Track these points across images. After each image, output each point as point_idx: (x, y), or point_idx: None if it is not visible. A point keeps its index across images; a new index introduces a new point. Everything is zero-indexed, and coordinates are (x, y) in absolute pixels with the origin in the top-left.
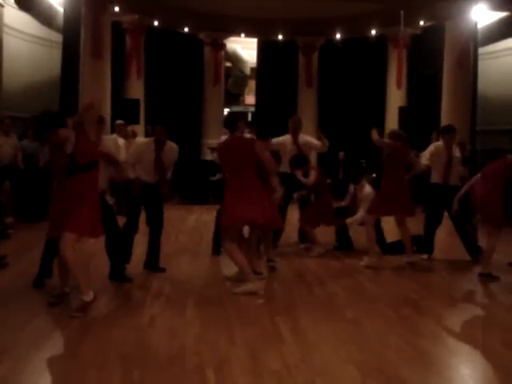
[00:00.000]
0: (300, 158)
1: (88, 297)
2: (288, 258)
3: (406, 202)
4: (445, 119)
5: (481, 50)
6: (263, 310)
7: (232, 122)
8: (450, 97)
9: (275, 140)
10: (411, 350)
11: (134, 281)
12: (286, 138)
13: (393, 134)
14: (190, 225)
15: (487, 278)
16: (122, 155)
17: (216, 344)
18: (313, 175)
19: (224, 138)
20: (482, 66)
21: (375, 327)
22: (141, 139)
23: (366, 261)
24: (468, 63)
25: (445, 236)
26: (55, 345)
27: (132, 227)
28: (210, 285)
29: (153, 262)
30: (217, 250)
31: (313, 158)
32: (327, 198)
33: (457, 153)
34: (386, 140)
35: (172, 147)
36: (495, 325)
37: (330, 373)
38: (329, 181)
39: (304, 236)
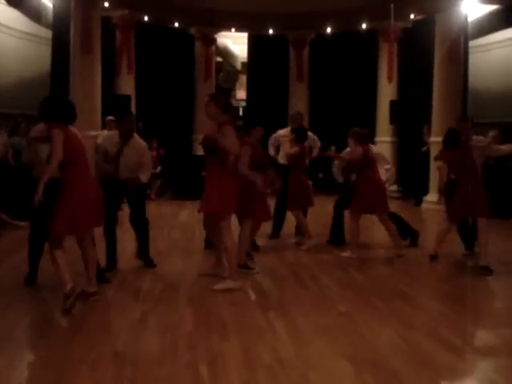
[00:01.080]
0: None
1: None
2: (280, 252)
3: (383, 199)
4: (436, 113)
5: (471, 43)
6: (256, 304)
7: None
8: (440, 90)
9: (277, 133)
10: (404, 342)
11: (125, 277)
12: (287, 131)
13: (355, 135)
14: (183, 220)
15: (485, 270)
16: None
17: (209, 339)
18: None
19: None
20: (472, 59)
21: (368, 320)
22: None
23: (347, 253)
24: (459, 56)
25: (436, 228)
26: (48, 342)
27: (111, 220)
28: (203, 280)
29: (144, 253)
30: (208, 244)
31: None
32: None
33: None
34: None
35: (139, 144)
36: (488, 317)
37: (323, 367)
38: (321, 175)
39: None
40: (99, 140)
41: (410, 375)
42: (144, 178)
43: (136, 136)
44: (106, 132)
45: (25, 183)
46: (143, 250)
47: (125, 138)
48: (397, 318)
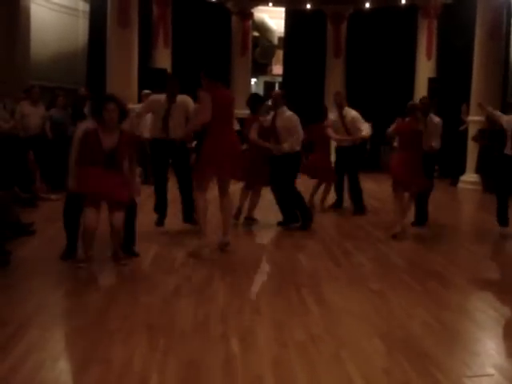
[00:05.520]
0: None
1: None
2: (313, 229)
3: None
4: (475, 91)
5: None
6: (288, 280)
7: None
8: (480, 68)
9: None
10: (436, 323)
11: (159, 249)
12: (336, 115)
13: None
14: (217, 194)
15: None
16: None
17: (241, 314)
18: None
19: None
20: None
21: (400, 299)
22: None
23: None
24: (500, 33)
25: (472, 208)
26: (82, 312)
27: (161, 180)
28: (236, 254)
29: (189, 215)
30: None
31: None
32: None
33: None
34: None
35: (184, 100)
36: None
37: (354, 344)
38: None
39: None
40: (138, 108)
41: (442, 356)
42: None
43: (179, 95)
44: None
45: (62, 155)
46: (188, 212)
47: (171, 98)
48: (430, 299)
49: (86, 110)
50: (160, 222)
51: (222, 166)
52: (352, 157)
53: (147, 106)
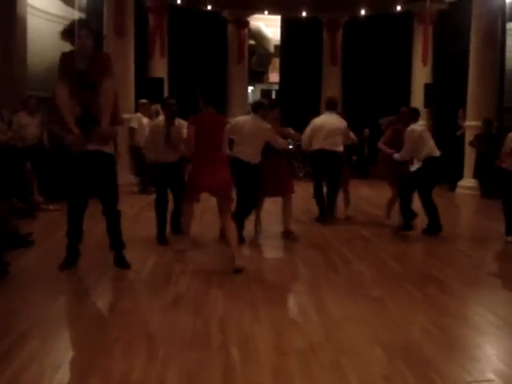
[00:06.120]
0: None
1: None
2: (312, 238)
3: None
4: (471, 96)
5: (509, 26)
6: (288, 288)
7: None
8: (476, 73)
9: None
10: (436, 329)
11: (157, 259)
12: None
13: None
14: (214, 203)
15: None
16: (147, 134)
17: (240, 322)
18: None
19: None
20: (510, 41)
21: (400, 306)
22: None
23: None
24: (495, 39)
25: (470, 213)
26: (81, 322)
27: (162, 200)
28: (234, 263)
29: (177, 226)
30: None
31: None
32: None
33: None
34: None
35: (181, 123)
36: None
37: (355, 352)
38: (355, 158)
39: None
40: (133, 124)
41: (442, 362)
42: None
43: (177, 119)
44: (137, 115)
45: (59, 165)
46: (176, 220)
47: (170, 121)
48: (430, 304)
49: None
50: (163, 240)
51: (210, 189)
52: (336, 161)
53: (151, 135)
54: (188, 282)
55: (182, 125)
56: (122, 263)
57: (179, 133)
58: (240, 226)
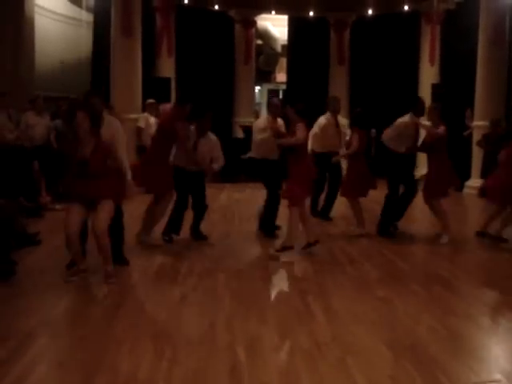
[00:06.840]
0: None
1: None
2: (320, 238)
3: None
4: (479, 96)
5: None
6: (294, 288)
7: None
8: (484, 73)
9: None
10: (443, 329)
11: (163, 258)
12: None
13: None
14: (222, 203)
15: None
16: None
17: (247, 322)
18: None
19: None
20: None
21: (407, 306)
22: None
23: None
24: (503, 39)
25: (478, 213)
26: (88, 322)
27: (182, 206)
28: (242, 263)
29: (196, 229)
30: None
31: None
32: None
33: None
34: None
35: (211, 138)
36: None
37: (361, 352)
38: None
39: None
40: (141, 123)
41: (449, 362)
42: (216, 166)
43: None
44: (144, 114)
45: (66, 165)
46: (196, 227)
47: (201, 133)
48: (436, 305)
49: None
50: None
51: None
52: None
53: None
54: (195, 281)
55: (214, 142)
56: (120, 260)
57: (209, 149)
58: None
